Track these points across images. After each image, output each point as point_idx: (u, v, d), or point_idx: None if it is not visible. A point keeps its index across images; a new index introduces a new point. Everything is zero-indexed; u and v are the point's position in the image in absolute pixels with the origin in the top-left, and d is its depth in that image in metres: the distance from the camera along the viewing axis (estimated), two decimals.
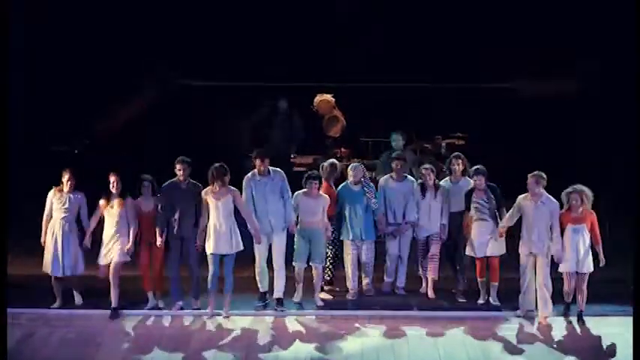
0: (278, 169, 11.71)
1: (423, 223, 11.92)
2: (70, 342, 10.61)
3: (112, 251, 11.24)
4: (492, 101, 15.83)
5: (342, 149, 15.64)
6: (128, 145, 15.24)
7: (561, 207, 11.13)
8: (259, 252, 11.50)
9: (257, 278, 11.62)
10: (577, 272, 11.05)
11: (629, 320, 10.31)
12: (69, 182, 11.34)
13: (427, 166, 12.02)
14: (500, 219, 11.45)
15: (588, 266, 11.05)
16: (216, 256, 11.14)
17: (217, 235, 11.08)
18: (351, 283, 11.97)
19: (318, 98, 16.06)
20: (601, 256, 11.08)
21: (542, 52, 15.17)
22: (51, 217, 11.38)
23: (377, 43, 16.18)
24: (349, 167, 12.27)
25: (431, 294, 11.95)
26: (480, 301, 11.67)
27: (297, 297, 11.74)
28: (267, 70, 15.58)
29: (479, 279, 11.66)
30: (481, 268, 11.59)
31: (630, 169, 12.44)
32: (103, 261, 11.29)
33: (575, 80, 15.33)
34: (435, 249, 11.92)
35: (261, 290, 11.65)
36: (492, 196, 11.48)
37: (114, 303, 11.20)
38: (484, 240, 11.50)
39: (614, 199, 13.52)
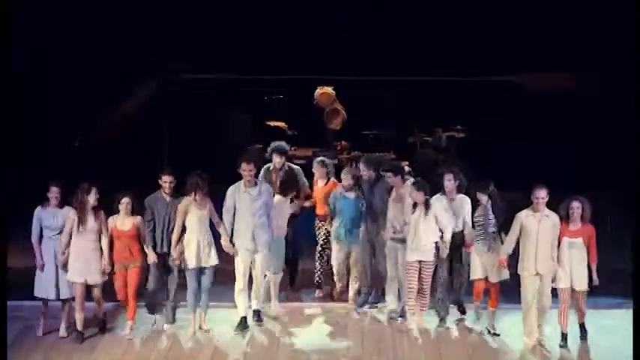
0: (263, 182, 11.00)
1: (411, 243, 10.48)
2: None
3: (87, 271, 10.33)
4: (493, 94, 15.89)
5: (343, 142, 15.78)
6: (127, 143, 15.34)
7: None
8: (240, 271, 10.64)
9: (236, 300, 10.70)
10: (572, 289, 10.17)
11: (629, 313, 10.27)
12: (55, 197, 10.47)
13: (418, 179, 10.68)
14: (501, 239, 10.42)
15: (583, 283, 10.14)
16: (197, 271, 10.48)
17: (199, 247, 10.40)
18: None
19: (318, 91, 16.20)
20: (594, 276, 10.13)
21: (544, 47, 15.21)
22: (41, 236, 10.54)
23: (377, 37, 16.21)
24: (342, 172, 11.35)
25: (416, 332, 10.54)
26: (474, 326, 10.66)
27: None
28: (268, 64, 15.63)
29: (474, 302, 10.61)
30: (477, 291, 10.53)
31: (630, 165, 12.46)
32: (76, 279, 10.34)
33: (577, 76, 15.38)
34: (426, 281, 10.54)
35: (241, 315, 10.69)
36: (492, 213, 10.33)
37: (79, 326, 10.41)
38: (477, 261, 10.44)
39: (613, 193, 13.64)
